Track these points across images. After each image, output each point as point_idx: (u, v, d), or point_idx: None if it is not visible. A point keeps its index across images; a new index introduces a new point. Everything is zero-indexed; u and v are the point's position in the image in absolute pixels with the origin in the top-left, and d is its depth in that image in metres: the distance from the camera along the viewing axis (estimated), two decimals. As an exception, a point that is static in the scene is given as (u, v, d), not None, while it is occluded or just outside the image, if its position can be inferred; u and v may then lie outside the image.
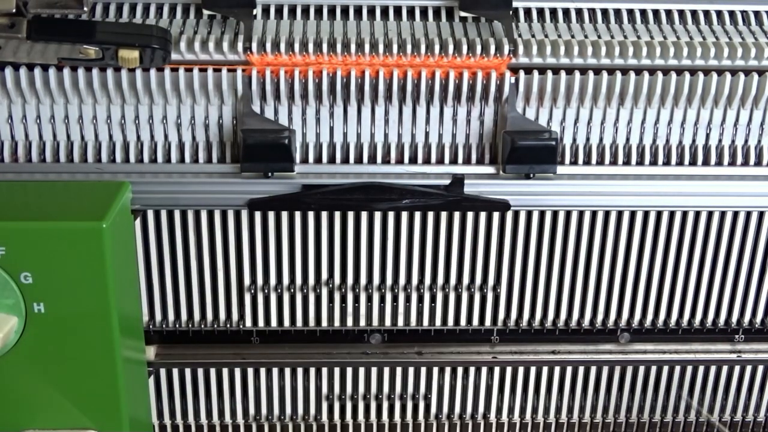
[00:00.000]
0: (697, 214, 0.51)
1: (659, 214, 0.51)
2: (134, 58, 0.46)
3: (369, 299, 0.53)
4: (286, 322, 0.53)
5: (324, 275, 0.52)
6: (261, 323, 0.53)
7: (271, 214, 0.50)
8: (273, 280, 0.52)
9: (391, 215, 0.51)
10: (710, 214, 0.51)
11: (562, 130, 0.50)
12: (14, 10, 0.45)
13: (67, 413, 0.46)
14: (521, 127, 0.49)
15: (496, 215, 0.51)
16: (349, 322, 0.53)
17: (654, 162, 0.50)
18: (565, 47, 0.48)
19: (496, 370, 0.55)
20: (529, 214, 0.51)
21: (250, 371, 0.54)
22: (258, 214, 0.50)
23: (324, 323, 0.53)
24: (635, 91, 0.49)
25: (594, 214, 0.51)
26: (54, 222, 0.42)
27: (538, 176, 0.49)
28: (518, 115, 0.49)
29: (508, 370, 0.55)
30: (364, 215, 0.51)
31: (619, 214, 0.51)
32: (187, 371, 0.54)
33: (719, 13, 0.51)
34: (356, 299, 0.53)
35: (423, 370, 0.55)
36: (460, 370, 0.55)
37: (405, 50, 0.48)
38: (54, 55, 0.46)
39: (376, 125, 0.49)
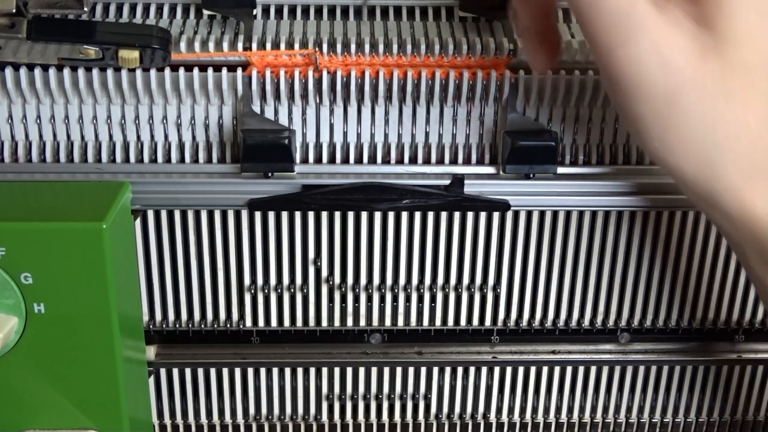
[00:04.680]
0: (698, 214, 0.51)
1: (659, 214, 0.51)
2: (134, 58, 0.46)
3: (369, 299, 0.53)
4: (286, 322, 0.53)
5: (324, 275, 0.52)
6: (261, 323, 0.53)
7: (271, 214, 0.50)
8: (273, 280, 0.52)
9: (391, 215, 0.51)
10: (710, 214, 0.51)
11: (562, 130, 0.50)
12: (14, 10, 0.45)
13: (67, 413, 0.46)
14: (521, 127, 0.49)
15: (496, 215, 0.51)
16: (349, 322, 0.53)
17: (653, 162, 0.50)
18: (565, 47, 0.48)
19: (496, 370, 0.55)
20: (529, 214, 0.51)
21: (250, 371, 0.54)
22: (258, 214, 0.50)
23: (324, 323, 0.53)
24: (635, 91, 0.49)
25: (594, 214, 0.51)
26: (54, 222, 0.42)
27: (538, 176, 0.49)
28: (518, 115, 0.49)
29: (508, 370, 0.55)
30: (364, 215, 0.51)
31: (619, 214, 0.51)
32: (187, 371, 0.54)
33: (719, 13, 0.51)
34: (356, 299, 0.53)
35: (423, 370, 0.55)
36: (460, 370, 0.55)
37: (405, 50, 0.48)
38: (54, 55, 0.46)
39: (376, 125, 0.49)
